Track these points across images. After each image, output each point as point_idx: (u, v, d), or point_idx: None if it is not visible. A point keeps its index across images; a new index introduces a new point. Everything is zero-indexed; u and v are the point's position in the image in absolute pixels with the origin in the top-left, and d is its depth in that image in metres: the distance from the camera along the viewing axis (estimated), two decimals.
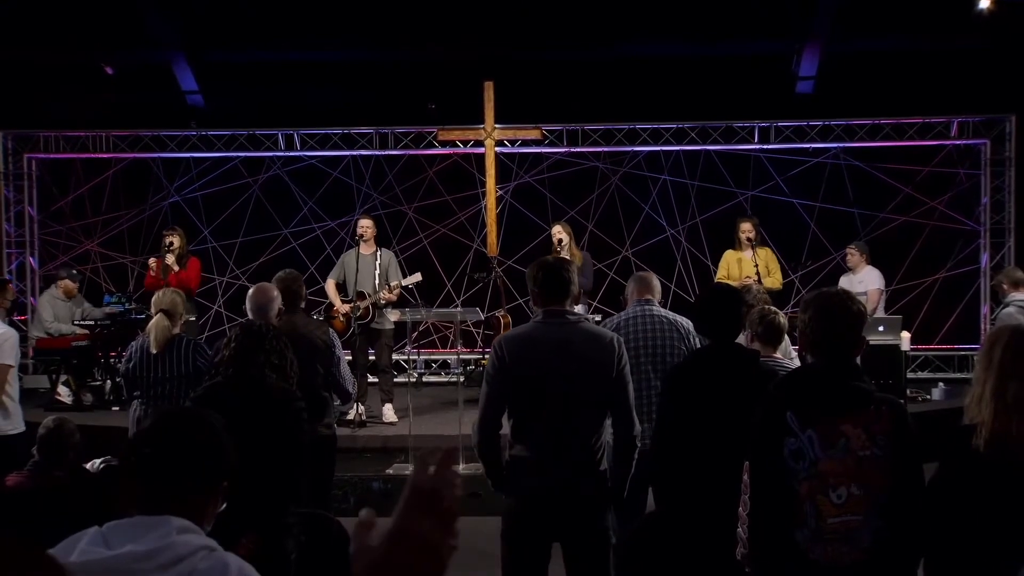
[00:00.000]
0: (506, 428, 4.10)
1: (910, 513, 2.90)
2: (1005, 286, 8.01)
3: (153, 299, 5.88)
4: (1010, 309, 7.69)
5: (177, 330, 5.73)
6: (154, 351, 5.62)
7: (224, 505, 2.21)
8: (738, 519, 3.17)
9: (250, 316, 5.39)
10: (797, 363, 4.73)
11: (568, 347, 3.98)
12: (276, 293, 5.45)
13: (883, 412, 2.92)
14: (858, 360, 3.12)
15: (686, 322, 5.14)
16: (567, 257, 8.71)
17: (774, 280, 9.14)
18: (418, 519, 1.21)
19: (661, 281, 5.77)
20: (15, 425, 6.49)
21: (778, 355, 4.56)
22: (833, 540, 2.89)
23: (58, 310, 10.29)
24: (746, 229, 9.24)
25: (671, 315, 5.23)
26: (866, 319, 3.11)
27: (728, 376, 3.89)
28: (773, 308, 4.72)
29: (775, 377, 3.54)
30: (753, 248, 9.09)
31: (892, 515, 2.89)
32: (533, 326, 4.10)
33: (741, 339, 4.76)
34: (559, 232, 9.03)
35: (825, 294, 3.16)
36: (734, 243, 9.40)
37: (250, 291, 5.50)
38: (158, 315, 5.67)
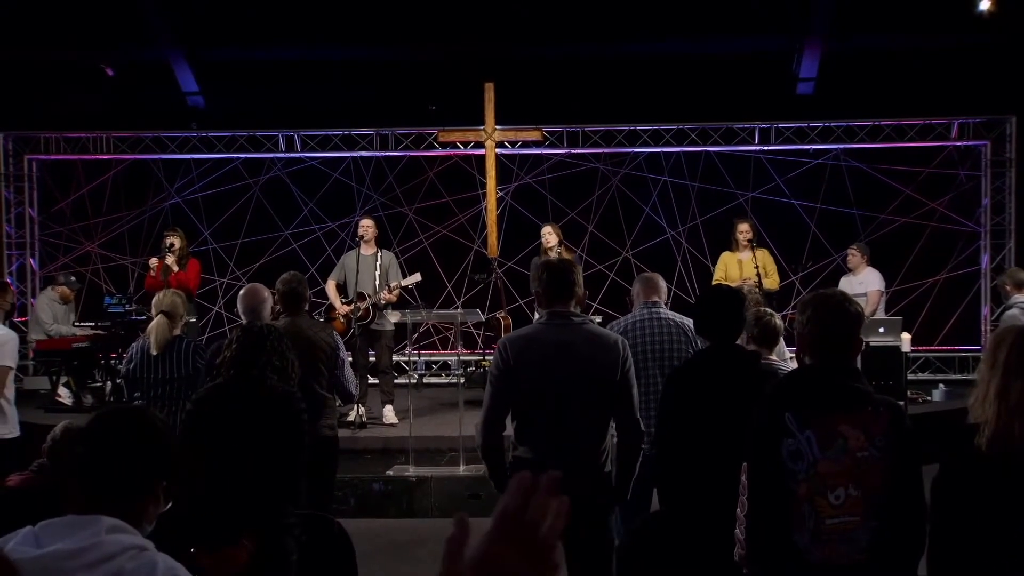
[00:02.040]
0: (509, 429, 4.09)
1: (908, 514, 2.90)
2: (1008, 287, 8.00)
3: (153, 301, 5.89)
4: (1014, 311, 7.68)
5: (178, 331, 5.74)
6: (154, 352, 5.63)
7: (168, 505, 2.18)
8: (736, 520, 3.17)
9: (242, 317, 5.39)
10: (792, 365, 4.73)
11: (572, 348, 3.97)
12: (267, 294, 5.46)
13: (881, 413, 2.93)
14: (858, 361, 3.12)
15: (692, 323, 5.12)
16: (559, 257, 8.74)
17: (771, 281, 9.14)
18: (507, 550, 1.09)
19: None
20: (10, 429, 6.47)
21: (773, 357, 4.57)
22: (831, 541, 2.89)
23: (56, 312, 10.31)
24: (743, 230, 9.25)
25: (678, 317, 5.21)
26: (864, 320, 3.12)
27: (729, 377, 3.89)
28: (768, 310, 4.72)
29: (776, 378, 3.54)
30: (753, 249, 9.10)
31: (890, 516, 2.90)
32: (537, 327, 4.09)
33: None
34: (548, 234, 9.04)
35: (823, 295, 3.17)
36: (732, 244, 9.40)
37: (241, 292, 5.51)
38: (158, 316, 5.68)
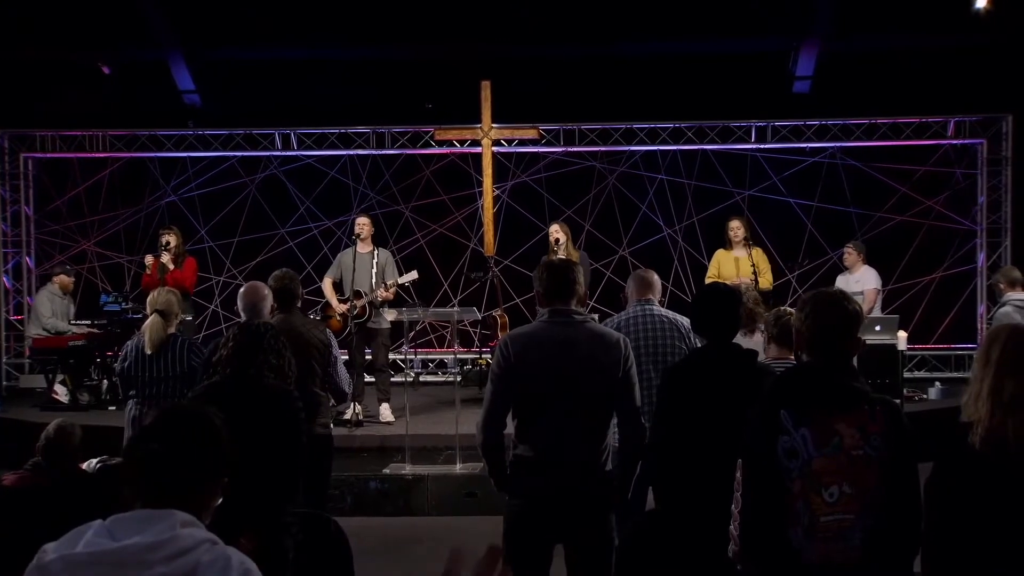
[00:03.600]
0: (510, 427, 4.09)
1: (904, 512, 2.91)
2: (1002, 285, 8.02)
3: (148, 299, 5.89)
4: (1007, 308, 7.69)
5: (172, 330, 5.73)
6: (149, 351, 5.63)
7: (221, 499, 2.24)
8: (731, 516, 3.17)
9: (242, 315, 5.39)
10: None
11: (574, 347, 3.96)
12: (267, 291, 5.45)
13: (877, 412, 2.93)
14: (855, 360, 3.12)
15: (686, 321, 5.10)
16: (566, 255, 8.76)
17: (765, 280, 9.15)
18: None
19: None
20: None
21: (793, 357, 4.51)
22: (825, 538, 2.90)
23: (56, 306, 10.30)
24: (735, 227, 9.26)
25: (671, 315, 5.21)
26: (862, 319, 3.12)
27: (725, 375, 3.89)
28: (789, 309, 4.69)
29: (772, 376, 3.54)
30: (748, 247, 9.10)
31: (885, 514, 2.90)
32: (539, 325, 4.08)
33: (759, 340, 4.75)
34: (557, 232, 9.04)
35: (821, 294, 3.17)
36: (725, 243, 9.41)
37: (241, 290, 5.50)
38: (153, 315, 5.68)
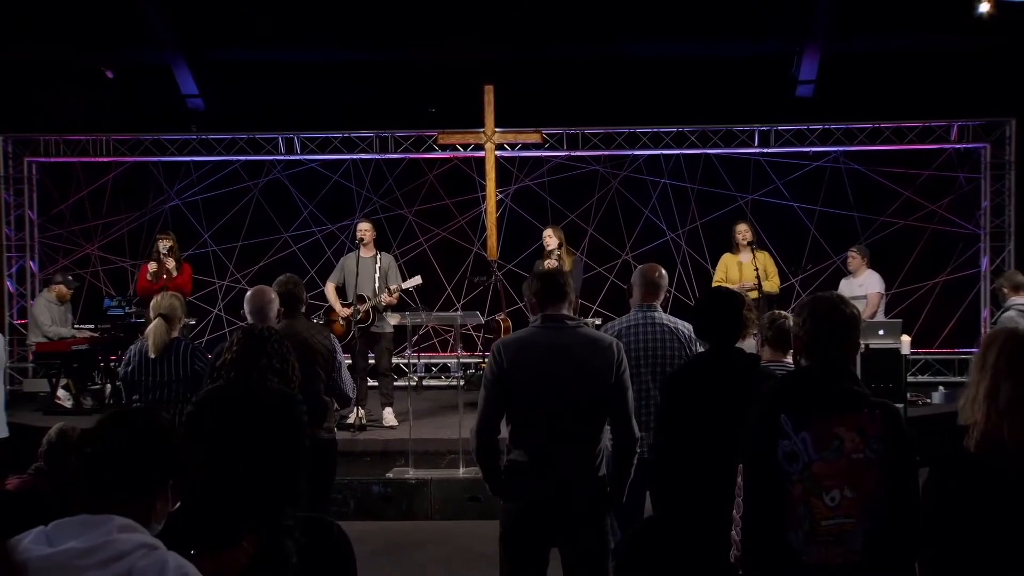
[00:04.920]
0: (504, 432, 4.10)
1: (903, 516, 2.91)
2: (1005, 290, 8.00)
3: (151, 303, 5.89)
4: (1010, 313, 7.67)
5: (176, 334, 5.74)
6: (152, 355, 5.63)
7: (178, 504, 2.21)
8: (732, 521, 3.18)
9: (249, 319, 5.39)
10: None
11: (567, 352, 3.97)
12: (274, 295, 5.45)
13: (877, 415, 2.93)
14: (858, 363, 3.12)
15: (686, 328, 5.05)
16: (558, 262, 8.75)
17: (772, 284, 9.14)
18: None
19: None
20: None
21: (787, 360, 4.50)
22: (826, 542, 2.90)
23: (54, 313, 10.30)
24: (742, 231, 9.27)
25: (672, 322, 5.15)
26: (860, 322, 3.12)
27: (728, 380, 3.89)
28: (783, 312, 4.68)
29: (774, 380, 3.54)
30: (753, 251, 9.10)
31: (885, 518, 2.90)
32: (532, 330, 4.09)
33: (751, 344, 4.73)
34: (549, 237, 9.04)
35: (819, 298, 3.18)
36: (732, 246, 9.41)
37: (248, 294, 5.50)
38: (156, 319, 5.68)
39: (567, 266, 8.78)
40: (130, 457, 2.10)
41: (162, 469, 2.15)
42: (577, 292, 9.08)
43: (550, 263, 8.71)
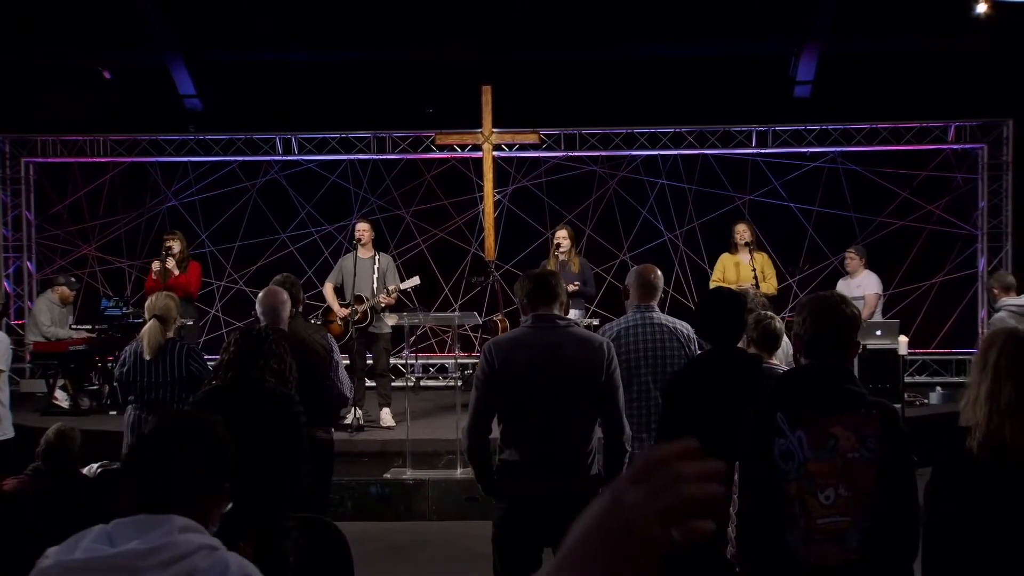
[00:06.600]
0: (496, 432, 4.10)
1: (900, 516, 2.91)
2: (996, 291, 7.98)
3: (146, 304, 5.88)
4: (1001, 314, 7.63)
5: (171, 334, 5.73)
6: (147, 356, 5.62)
7: (230, 505, 2.24)
8: (728, 519, 3.18)
9: (261, 319, 5.37)
10: None
11: (558, 351, 3.99)
12: (287, 296, 5.42)
13: (873, 415, 2.94)
14: (855, 364, 3.13)
15: (685, 328, 5.03)
16: (566, 261, 8.78)
17: (769, 285, 9.14)
18: (633, 491, 0.96)
19: None
20: (4, 431, 6.47)
21: (774, 361, 4.51)
22: (822, 540, 2.91)
23: (55, 314, 10.29)
24: (740, 231, 9.26)
25: (671, 322, 5.11)
26: (860, 322, 3.13)
27: (730, 380, 3.89)
28: (769, 313, 4.68)
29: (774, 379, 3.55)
30: (751, 252, 9.10)
31: (881, 517, 2.91)
32: (523, 330, 4.11)
33: (740, 345, 4.73)
34: (562, 237, 9.01)
35: (819, 297, 3.19)
36: (730, 247, 9.41)
37: (260, 294, 5.48)
38: (151, 320, 5.68)
39: (575, 267, 8.81)
40: (192, 459, 2.14)
41: (219, 470, 2.18)
42: (592, 295, 9.20)
43: (557, 256, 8.77)
